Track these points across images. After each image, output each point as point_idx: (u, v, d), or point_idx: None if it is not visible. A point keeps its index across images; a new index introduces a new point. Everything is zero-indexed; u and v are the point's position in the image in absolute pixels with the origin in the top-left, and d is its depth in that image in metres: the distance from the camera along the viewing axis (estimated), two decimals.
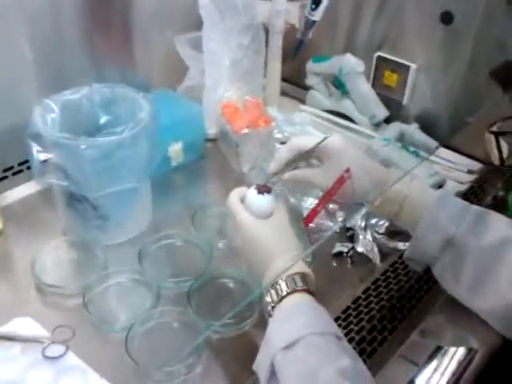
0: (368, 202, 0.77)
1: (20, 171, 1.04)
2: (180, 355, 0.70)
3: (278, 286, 0.65)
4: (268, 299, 0.66)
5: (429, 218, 0.73)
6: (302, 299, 0.65)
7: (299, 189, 0.90)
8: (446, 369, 0.73)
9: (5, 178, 1.03)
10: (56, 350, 0.68)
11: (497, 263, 0.69)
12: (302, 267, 0.67)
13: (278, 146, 1.03)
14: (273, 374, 0.59)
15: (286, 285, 0.65)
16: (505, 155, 0.57)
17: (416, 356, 0.75)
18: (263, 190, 0.73)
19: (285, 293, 0.65)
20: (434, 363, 0.74)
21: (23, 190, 1.01)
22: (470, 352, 0.75)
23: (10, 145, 0.95)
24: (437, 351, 0.76)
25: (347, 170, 0.70)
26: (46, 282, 0.81)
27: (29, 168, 1.01)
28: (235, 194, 0.76)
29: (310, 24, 1.11)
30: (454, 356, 0.75)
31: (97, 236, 0.89)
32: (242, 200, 0.75)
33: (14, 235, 0.93)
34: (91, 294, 0.80)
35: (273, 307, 0.65)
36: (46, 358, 0.67)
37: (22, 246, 0.91)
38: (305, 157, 0.79)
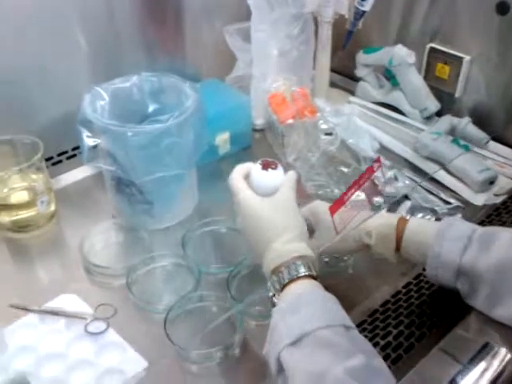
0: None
1: (74, 156, 1.08)
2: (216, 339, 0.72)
3: (280, 274, 0.63)
4: (271, 288, 0.64)
5: (432, 256, 0.71)
6: (305, 288, 0.62)
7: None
8: (498, 373, 0.71)
9: (59, 162, 1.07)
10: (98, 326, 0.71)
11: (504, 280, 0.68)
12: (305, 250, 0.65)
13: (322, 136, 1.03)
14: (281, 369, 0.57)
15: (288, 272, 0.62)
16: None
17: (458, 352, 0.73)
18: (268, 165, 0.70)
19: (286, 280, 0.62)
20: (483, 364, 0.72)
21: (77, 174, 1.06)
22: None
23: (65, 130, 0.98)
24: (485, 350, 0.73)
25: (377, 160, 0.68)
26: (93, 262, 0.85)
27: None
28: (238, 171, 0.72)
29: (359, 14, 1.10)
30: (505, 358, 0.72)
31: (143, 220, 0.92)
32: (247, 176, 0.72)
33: (66, 217, 0.97)
34: (135, 275, 0.83)
35: (274, 295, 0.63)
36: (88, 333, 0.70)
37: (73, 227, 0.95)
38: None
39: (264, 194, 0.69)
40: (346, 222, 0.67)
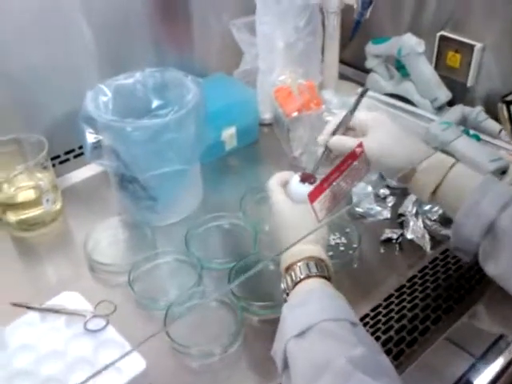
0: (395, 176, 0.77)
1: (81, 154, 1.08)
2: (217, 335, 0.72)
3: (292, 272, 0.65)
4: (283, 285, 0.66)
5: (471, 203, 0.69)
6: (315, 285, 0.63)
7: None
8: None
9: (67, 160, 1.08)
10: (97, 323, 0.71)
11: None
12: (319, 253, 0.66)
13: None
14: (287, 364, 0.57)
15: (300, 270, 0.64)
16: None
17: (468, 343, 0.71)
18: (305, 178, 0.73)
19: (298, 278, 0.64)
20: (500, 360, 0.70)
21: (84, 172, 1.06)
22: None
23: (72, 129, 0.98)
24: (500, 343, 0.71)
25: (359, 146, 0.66)
26: (97, 259, 0.85)
27: None
28: (277, 177, 0.76)
29: (366, 3, 1.07)
30: None
31: (147, 216, 0.92)
32: (285, 184, 0.75)
33: (73, 215, 0.98)
34: (137, 272, 0.83)
35: (287, 293, 0.65)
36: (88, 330, 0.70)
37: (80, 224, 0.95)
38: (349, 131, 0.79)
39: (297, 203, 0.72)
40: (329, 209, 0.66)
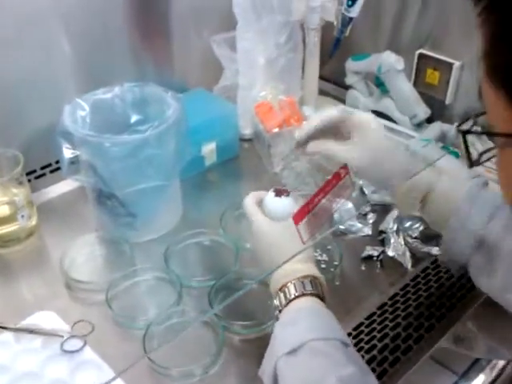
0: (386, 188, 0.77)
1: (58, 169, 1.05)
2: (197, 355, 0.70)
3: (286, 290, 0.64)
4: (276, 302, 0.65)
5: (458, 218, 0.69)
6: (308, 303, 0.63)
7: (317, 165, 0.85)
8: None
9: (43, 175, 1.05)
10: (74, 344, 0.69)
11: None
12: (312, 271, 0.66)
13: None
14: (276, 380, 0.57)
15: (295, 288, 0.63)
16: (474, 157, 0.49)
17: (452, 362, 0.71)
18: (280, 193, 0.73)
19: (292, 296, 0.63)
20: (481, 377, 0.70)
21: (61, 187, 1.04)
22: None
23: (49, 143, 0.96)
24: (481, 362, 0.71)
25: (344, 167, 0.67)
26: (74, 277, 0.83)
27: None
28: (251, 197, 0.75)
29: (346, 21, 1.08)
30: (505, 370, 0.70)
31: (126, 233, 0.90)
32: (260, 202, 0.75)
33: (49, 231, 0.95)
34: (115, 290, 0.81)
35: (280, 311, 0.64)
36: (64, 351, 0.68)
37: (56, 241, 0.93)
38: (333, 129, 0.77)
39: (276, 219, 0.72)
40: (314, 231, 0.66)
